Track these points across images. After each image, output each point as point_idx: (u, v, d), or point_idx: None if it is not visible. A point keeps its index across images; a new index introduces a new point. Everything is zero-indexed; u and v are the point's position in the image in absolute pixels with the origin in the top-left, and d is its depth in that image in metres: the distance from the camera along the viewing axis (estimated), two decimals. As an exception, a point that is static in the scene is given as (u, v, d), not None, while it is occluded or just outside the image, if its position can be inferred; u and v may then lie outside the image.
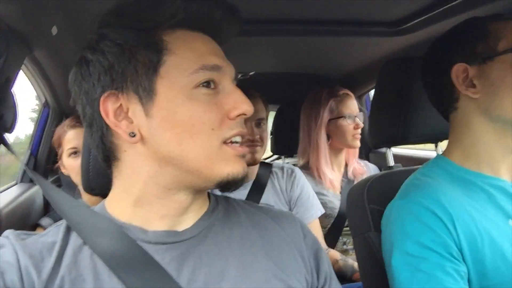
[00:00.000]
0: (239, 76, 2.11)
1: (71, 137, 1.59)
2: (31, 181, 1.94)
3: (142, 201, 0.67)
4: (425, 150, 2.11)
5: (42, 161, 2.02)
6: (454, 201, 0.86)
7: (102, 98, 0.63)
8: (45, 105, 1.93)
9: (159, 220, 0.67)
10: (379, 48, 1.66)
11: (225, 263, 0.67)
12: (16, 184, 1.96)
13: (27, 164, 1.94)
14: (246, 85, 1.41)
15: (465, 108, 0.92)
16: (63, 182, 1.95)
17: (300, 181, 1.61)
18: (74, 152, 1.58)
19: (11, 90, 1.05)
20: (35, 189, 1.88)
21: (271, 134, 2.32)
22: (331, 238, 1.80)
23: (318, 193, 1.71)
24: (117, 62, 0.62)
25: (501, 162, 0.91)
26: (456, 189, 0.89)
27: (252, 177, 1.58)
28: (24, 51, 1.14)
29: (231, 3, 0.69)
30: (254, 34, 1.38)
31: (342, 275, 1.61)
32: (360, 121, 1.87)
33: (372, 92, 2.31)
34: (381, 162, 2.18)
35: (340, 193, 1.88)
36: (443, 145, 1.24)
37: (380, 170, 2.04)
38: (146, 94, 0.62)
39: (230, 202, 0.79)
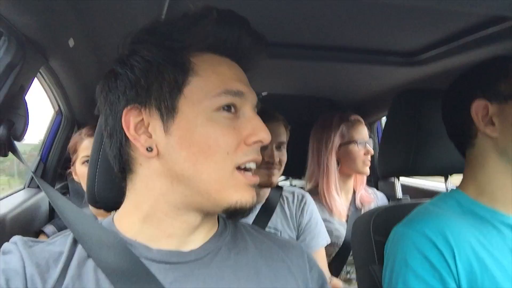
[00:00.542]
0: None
1: (87, 146, 1.62)
2: (38, 186, 1.95)
3: (151, 218, 0.67)
4: (434, 182, 2.08)
5: (51, 168, 2.03)
6: (459, 235, 0.84)
7: (125, 111, 0.64)
8: (58, 113, 1.95)
9: (165, 238, 0.67)
10: (393, 77, 1.66)
11: None
12: (23, 188, 1.97)
13: (36, 170, 1.96)
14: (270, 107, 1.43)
15: (482, 146, 0.91)
16: (70, 189, 1.95)
17: (309, 208, 1.59)
18: (88, 161, 1.60)
19: (24, 99, 1.07)
20: (42, 195, 1.89)
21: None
22: (336, 267, 1.76)
23: (324, 220, 1.69)
24: (144, 78, 0.64)
25: None
26: (465, 223, 0.87)
27: (263, 200, 1.56)
28: (40, 61, 1.16)
29: (259, 32, 0.70)
30: (269, 56, 1.38)
31: (344, 305, 1.58)
32: (370, 148, 1.85)
33: (383, 119, 2.30)
34: (389, 191, 2.16)
35: (347, 221, 1.84)
36: (453, 178, 1.23)
37: (388, 199, 2.02)
38: (168, 112, 0.63)
39: (238, 227, 0.79)
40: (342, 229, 1.79)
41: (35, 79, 1.20)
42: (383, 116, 2.25)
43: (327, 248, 1.62)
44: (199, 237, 0.69)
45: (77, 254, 0.64)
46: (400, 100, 1.20)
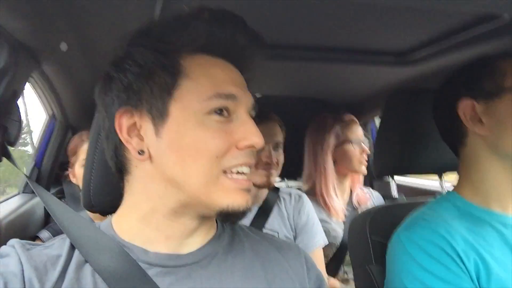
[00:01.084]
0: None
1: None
2: (33, 192, 1.94)
3: (149, 218, 0.66)
4: (428, 180, 2.09)
5: (46, 173, 2.02)
6: (461, 238, 0.84)
7: (118, 114, 0.64)
8: (52, 118, 1.94)
9: (163, 241, 0.66)
10: (386, 77, 1.67)
11: None
12: (18, 194, 1.96)
13: (31, 175, 1.95)
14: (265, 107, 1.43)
15: (473, 145, 0.92)
16: (66, 193, 1.94)
17: (306, 208, 1.59)
18: None
19: (17, 104, 1.06)
20: (36, 200, 1.88)
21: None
22: (333, 267, 1.76)
23: (321, 221, 1.68)
24: (135, 81, 0.64)
25: (510, 199, 0.89)
26: (464, 226, 0.87)
27: (260, 201, 1.56)
28: (33, 65, 1.16)
29: (255, 30, 0.68)
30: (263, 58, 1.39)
31: (341, 306, 1.58)
32: (366, 147, 1.86)
33: (377, 119, 2.31)
34: (385, 190, 2.16)
35: (344, 221, 1.84)
36: (447, 176, 1.24)
37: (384, 199, 2.03)
38: (159, 115, 0.63)
39: (236, 229, 0.78)
40: (339, 230, 1.79)
41: (28, 84, 1.19)
42: (377, 116, 2.26)
43: (325, 248, 1.62)
44: (197, 240, 0.69)
45: (75, 257, 0.64)
46: (393, 100, 1.20)
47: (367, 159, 1.86)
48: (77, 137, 1.69)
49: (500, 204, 0.89)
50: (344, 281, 1.78)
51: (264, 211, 1.54)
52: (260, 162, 1.47)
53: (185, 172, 0.62)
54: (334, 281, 1.67)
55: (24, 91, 1.12)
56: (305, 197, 1.64)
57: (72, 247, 0.65)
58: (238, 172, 0.65)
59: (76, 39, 1.14)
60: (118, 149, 0.67)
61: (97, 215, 0.80)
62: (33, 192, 1.94)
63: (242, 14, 0.67)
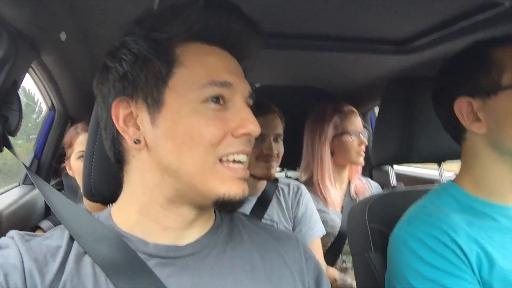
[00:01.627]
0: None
1: (82, 141, 1.61)
2: (33, 183, 1.94)
3: (147, 209, 0.66)
4: (427, 169, 2.10)
5: (45, 164, 2.02)
6: (463, 232, 0.84)
7: (114, 103, 0.65)
8: (51, 109, 1.94)
9: (162, 232, 0.67)
10: (386, 65, 1.67)
11: (223, 283, 0.66)
12: (18, 185, 1.96)
13: (30, 166, 1.95)
14: (265, 99, 1.44)
15: (472, 140, 0.91)
16: (65, 185, 1.95)
17: (305, 199, 1.61)
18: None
19: (18, 94, 1.06)
20: (37, 192, 1.88)
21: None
22: (331, 256, 1.78)
23: (319, 211, 1.70)
24: (130, 71, 0.64)
25: (511, 191, 0.89)
26: (465, 219, 0.87)
27: (259, 192, 1.57)
28: (32, 55, 1.15)
29: (250, 17, 0.68)
30: (263, 47, 1.38)
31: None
32: (364, 138, 1.86)
33: (377, 109, 2.31)
34: (384, 179, 2.17)
35: (342, 211, 1.86)
36: (446, 165, 1.24)
37: (382, 189, 2.04)
38: (154, 104, 0.63)
39: (234, 220, 0.78)
40: (337, 219, 1.81)
41: (28, 74, 1.19)
42: (377, 105, 2.26)
43: (323, 238, 1.63)
44: (195, 231, 0.69)
45: (75, 248, 0.64)
46: (393, 87, 1.20)
47: (365, 150, 1.87)
48: (73, 129, 1.69)
49: (501, 196, 0.89)
50: (343, 270, 1.79)
51: (263, 202, 1.55)
52: (261, 154, 1.48)
53: (180, 160, 0.62)
54: (332, 271, 1.69)
55: (23, 81, 1.12)
56: (304, 188, 1.65)
57: (72, 238, 0.65)
58: (234, 161, 0.65)
59: (76, 28, 1.14)
60: (116, 139, 0.68)
61: (95, 206, 0.81)
62: (33, 184, 1.94)
63: (242, 2, 0.66)
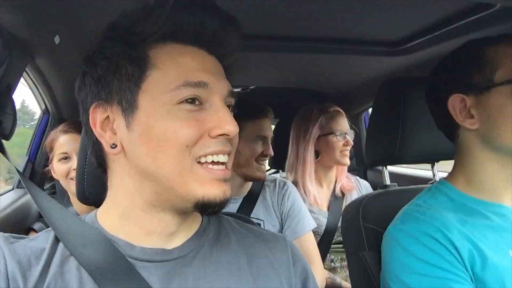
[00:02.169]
0: (240, 89, 2.13)
1: (62, 142, 1.61)
2: (27, 187, 1.94)
3: (129, 214, 0.66)
4: (421, 170, 2.11)
5: (40, 167, 2.01)
6: (456, 230, 0.85)
7: (91, 109, 0.65)
8: (45, 112, 1.93)
9: (145, 236, 0.66)
10: (378, 67, 1.68)
11: (209, 286, 0.66)
12: (12, 189, 1.95)
13: (25, 170, 1.94)
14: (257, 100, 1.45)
15: (465, 137, 0.92)
16: (57, 189, 1.94)
17: (291, 194, 1.62)
18: (65, 158, 1.60)
19: (11, 97, 1.06)
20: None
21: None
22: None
23: None
24: (104, 75, 0.63)
25: (504, 189, 0.90)
26: (457, 218, 0.88)
27: (246, 191, 1.59)
28: (26, 59, 1.15)
29: (227, 13, 0.66)
30: (255, 49, 1.39)
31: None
32: (350, 139, 1.87)
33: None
34: (378, 179, 2.18)
35: (329, 210, 1.86)
36: (439, 165, 1.25)
37: (376, 188, 2.04)
38: (129, 107, 0.63)
39: (222, 222, 0.78)
40: (322, 218, 1.81)
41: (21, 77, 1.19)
42: (369, 107, 2.27)
43: None
44: (181, 235, 0.69)
45: (60, 251, 0.63)
46: (385, 88, 1.21)
47: (357, 150, 1.87)
48: (53, 132, 1.68)
49: (494, 194, 0.90)
50: (332, 269, 1.79)
51: (250, 201, 1.57)
52: (261, 155, 1.50)
53: (157, 164, 0.62)
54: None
55: (18, 84, 1.12)
56: (290, 184, 1.66)
57: (56, 240, 0.65)
58: (213, 162, 0.64)
59: (70, 32, 1.14)
60: (96, 144, 0.67)
61: (84, 210, 0.81)
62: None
63: (234, 4, 0.66)
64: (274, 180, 1.66)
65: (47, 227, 0.69)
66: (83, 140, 0.78)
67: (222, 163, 0.65)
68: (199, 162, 0.63)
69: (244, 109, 1.36)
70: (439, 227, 0.85)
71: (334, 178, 1.96)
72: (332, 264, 1.82)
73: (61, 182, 1.64)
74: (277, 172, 2.82)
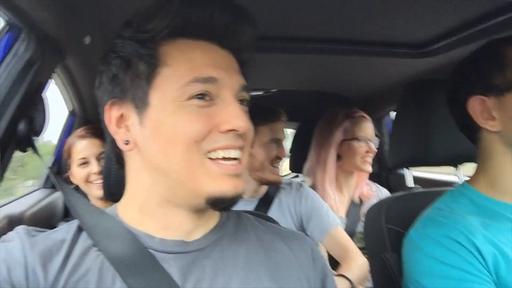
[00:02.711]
0: (262, 92, 2.14)
1: (80, 148, 1.64)
2: (52, 187, 1.98)
3: (146, 208, 0.67)
4: (445, 174, 2.08)
5: (66, 168, 2.05)
6: (479, 233, 0.84)
7: (107, 106, 0.66)
8: (72, 113, 1.98)
9: (162, 230, 0.67)
10: (402, 69, 1.67)
11: (228, 279, 0.66)
12: (39, 189, 2.00)
13: (52, 169, 1.98)
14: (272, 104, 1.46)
15: (487, 139, 0.91)
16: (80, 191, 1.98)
17: (309, 195, 1.61)
18: (84, 163, 1.63)
19: (42, 95, 1.10)
20: (56, 195, 1.92)
21: (290, 151, 2.31)
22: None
23: None
24: (117, 73, 0.65)
25: None
26: (480, 221, 0.87)
27: (261, 194, 1.59)
28: (57, 58, 1.18)
29: (238, 5, 0.66)
30: (277, 51, 1.40)
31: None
32: (373, 146, 1.85)
33: (393, 114, 2.30)
34: (400, 184, 2.15)
35: (347, 216, 1.84)
36: (463, 168, 1.23)
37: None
38: (141, 104, 0.64)
39: (241, 218, 0.78)
40: (341, 224, 1.79)
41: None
42: (392, 111, 2.25)
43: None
44: (199, 230, 0.70)
45: (81, 242, 0.65)
46: (410, 90, 1.21)
47: (380, 157, 1.85)
48: (69, 138, 1.71)
49: None
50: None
51: (265, 203, 1.56)
52: (276, 158, 1.51)
53: (167, 159, 0.63)
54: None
55: (49, 83, 1.15)
56: (305, 185, 1.66)
57: (78, 231, 0.66)
58: (225, 158, 0.64)
59: (100, 33, 1.17)
60: (113, 141, 0.69)
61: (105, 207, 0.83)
62: (53, 187, 1.98)
63: (254, 5, 0.66)
64: (290, 183, 1.65)
65: None
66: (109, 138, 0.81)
67: (234, 159, 0.65)
68: (210, 158, 0.63)
69: (258, 114, 1.39)
70: (462, 231, 0.84)
71: (355, 185, 1.93)
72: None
73: (81, 186, 1.66)
74: (296, 176, 2.81)
